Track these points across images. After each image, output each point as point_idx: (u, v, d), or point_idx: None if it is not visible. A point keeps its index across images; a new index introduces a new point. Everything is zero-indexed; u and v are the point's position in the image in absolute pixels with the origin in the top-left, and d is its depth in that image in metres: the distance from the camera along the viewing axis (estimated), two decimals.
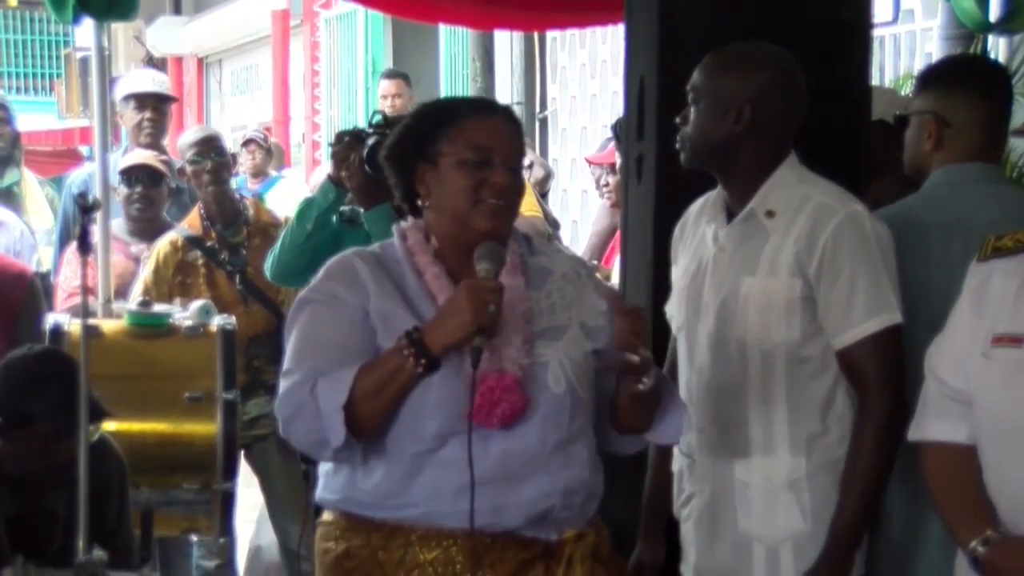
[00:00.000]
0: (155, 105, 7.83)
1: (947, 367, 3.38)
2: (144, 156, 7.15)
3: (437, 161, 3.52)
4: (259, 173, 10.07)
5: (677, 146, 4.03)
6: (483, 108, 3.72)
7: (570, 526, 3.58)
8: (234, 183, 8.56)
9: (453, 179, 3.50)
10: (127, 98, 6.89)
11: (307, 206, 5.60)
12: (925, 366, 3.45)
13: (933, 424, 3.38)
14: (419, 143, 3.59)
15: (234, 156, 8.04)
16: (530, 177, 9.05)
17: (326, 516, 3.68)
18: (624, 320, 3.38)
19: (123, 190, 7.15)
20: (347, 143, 5.50)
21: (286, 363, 3.60)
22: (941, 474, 3.37)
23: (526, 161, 8.40)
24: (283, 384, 3.53)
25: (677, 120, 4.01)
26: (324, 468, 3.66)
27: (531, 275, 3.60)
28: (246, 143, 10.78)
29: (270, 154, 10.76)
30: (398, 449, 3.50)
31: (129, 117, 7.26)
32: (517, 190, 3.60)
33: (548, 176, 9.34)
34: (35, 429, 4.73)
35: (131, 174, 7.14)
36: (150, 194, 7.10)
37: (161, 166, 7.13)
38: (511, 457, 3.46)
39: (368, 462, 3.54)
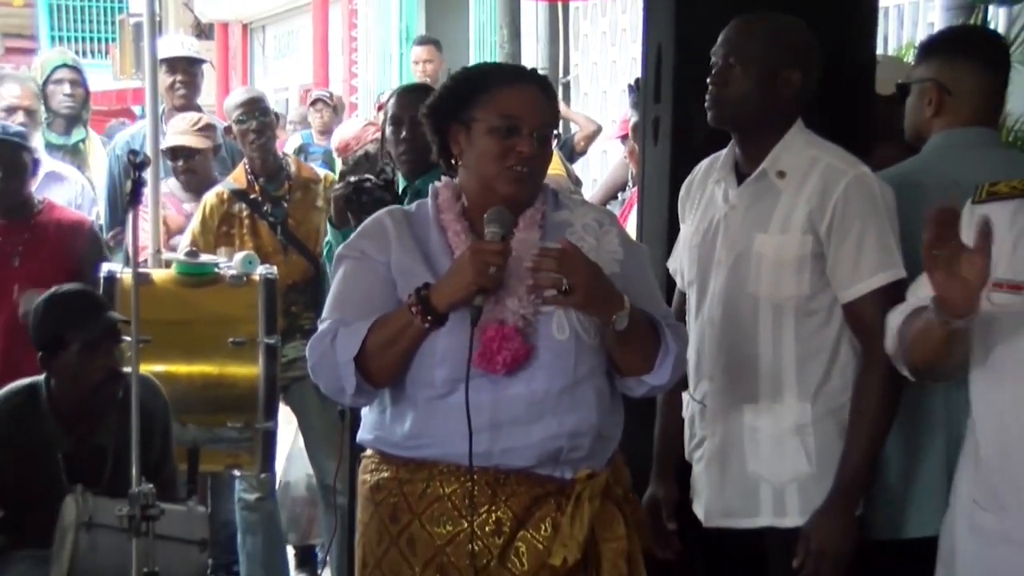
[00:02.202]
0: (185, 68, 7.85)
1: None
2: (181, 135, 7.13)
3: (470, 125, 3.54)
4: (326, 130, 10.01)
5: (707, 105, 3.99)
6: (518, 77, 3.69)
7: (585, 466, 3.59)
8: (295, 140, 8.54)
9: (482, 144, 3.53)
10: (160, 63, 6.85)
11: (328, 249, 5.63)
12: (908, 291, 3.54)
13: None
14: (455, 105, 3.61)
15: (278, 115, 7.96)
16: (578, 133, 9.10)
17: (367, 452, 3.76)
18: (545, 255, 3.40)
19: (168, 163, 7.17)
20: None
21: (322, 313, 3.66)
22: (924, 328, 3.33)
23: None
24: (319, 331, 3.61)
25: (710, 81, 3.97)
26: (364, 410, 3.74)
27: (549, 229, 3.61)
28: (314, 102, 10.72)
29: (336, 111, 10.73)
30: (414, 395, 3.58)
31: (162, 80, 7.21)
32: (543, 159, 3.62)
33: (597, 131, 9.33)
34: (68, 351, 4.77)
35: (172, 152, 7.17)
36: (192, 167, 7.14)
37: (197, 142, 7.12)
38: (518, 401, 3.51)
39: (394, 406, 3.63)
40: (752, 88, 3.94)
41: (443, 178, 3.77)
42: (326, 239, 5.82)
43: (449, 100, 3.65)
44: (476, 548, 3.53)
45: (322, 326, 3.62)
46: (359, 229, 3.81)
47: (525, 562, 3.57)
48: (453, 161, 3.65)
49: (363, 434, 3.77)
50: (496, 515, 3.56)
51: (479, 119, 3.53)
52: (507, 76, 3.71)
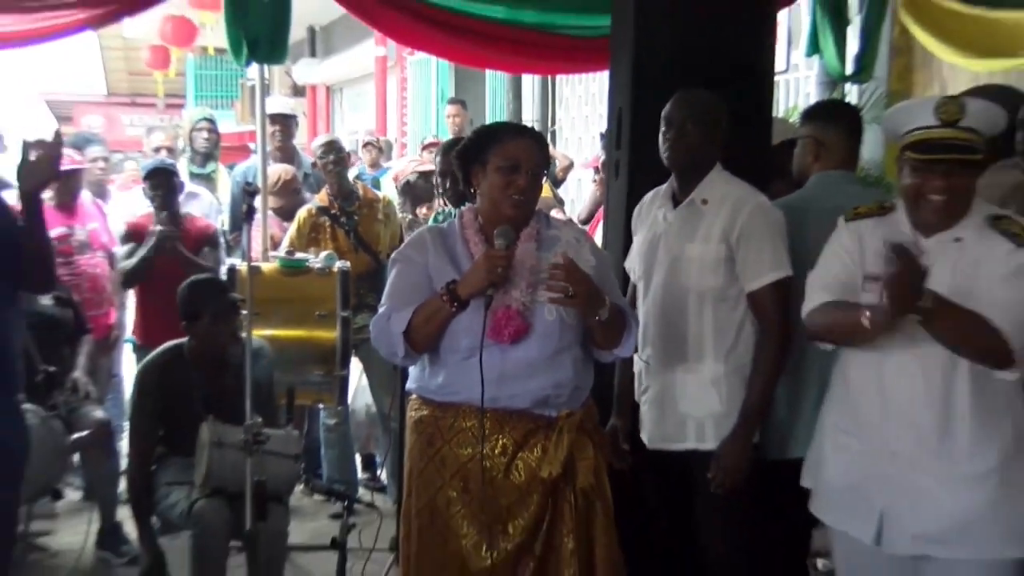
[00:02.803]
0: (282, 121, 7.77)
1: (828, 285, 3.54)
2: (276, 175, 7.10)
3: (485, 165, 3.59)
4: (375, 164, 10.07)
5: (667, 152, 4.04)
6: (519, 132, 3.78)
7: (565, 408, 3.64)
8: (355, 171, 8.52)
9: (492, 179, 3.58)
10: (266, 116, 6.82)
11: None
12: (808, 286, 3.58)
13: (820, 301, 3.51)
14: (476, 151, 3.65)
15: (350, 153, 7.96)
16: (558, 166, 9.07)
17: (412, 397, 3.81)
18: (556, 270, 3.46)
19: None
20: None
21: (381, 300, 3.75)
22: (826, 310, 3.49)
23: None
24: (378, 314, 3.71)
25: (672, 136, 4.01)
26: (411, 368, 3.80)
27: (542, 242, 3.65)
28: (366, 144, 10.70)
29: (382, 151, 10.73)
30: (445, 357, 3.65)
31: (268, 128, 7.16)
32: (535, 190, 3.66)
33: (571, 166, 9.35)
34: (201, 321, 4.87)
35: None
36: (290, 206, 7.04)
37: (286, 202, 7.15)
38: (519, 363, 3.58)
39: (431, 366, 3.70)
40: (701, 141, 3.98)
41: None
42: None
43: (472, 148, 3.68)
44: (487, 464, 3.59)
45: (380, 310, 3.69)
46: (407, 241, 3.95)
47: (522, 475, 3.62)
48: (473, 190, 3.69)
49: (409, 384, 3.82)
50: (502, 442, 3.62)
51: (491, 161, 3.57)
52: (511, 131, 3.80)
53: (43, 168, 3.93)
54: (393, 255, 3.87)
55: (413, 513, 3.73)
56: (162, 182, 6.44)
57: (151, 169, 6.65)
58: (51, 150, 3.96)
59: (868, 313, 3.19)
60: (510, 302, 3.54)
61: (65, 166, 6.45)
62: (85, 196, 6.73)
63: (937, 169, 3.29)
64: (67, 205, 6.47)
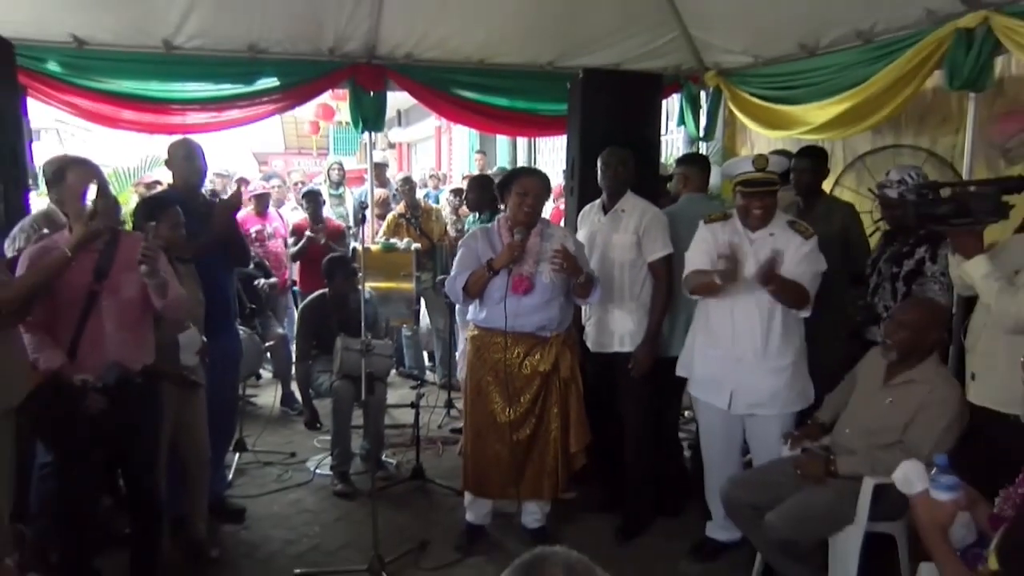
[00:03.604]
0: (379, 165, 7.56)
1: (699, 260, 3.46)
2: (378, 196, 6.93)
3: (510, 191, 3.49)
4: (436, 187, 9.53)
5: (608, 184, 3.90)
6: (531, 173, 3.66)
7: (554, 331, 3.56)
8: (423, 192, 8.30)
9: (513, 199, 3.48)
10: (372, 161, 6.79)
11: None
12: (687, 259, 3.53)
13: (694, 267, 3.46)
14: (505, 183, 3.56)
15: (415, 183, 7.62)
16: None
17: (470, 324, 3.70)
18: (558, 255, 3.37)
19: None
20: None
21: (452, 268, 3.64)
22: (697, 273, 3.43)
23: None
24: (450, 275, 3.62)
25: (611, 175, 3.88)
26: (469, 308, 3.70)
27: (544, 238, 3.53)
28: (431, 176, 10.32)
29: (440, 180, 10.29)
30: (487, 302, 3.52)
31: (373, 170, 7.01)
32: (538, 207, 3.54)
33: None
34: (335, 279, 4.71)
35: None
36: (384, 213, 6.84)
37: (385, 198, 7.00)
38: (527, 306, 3.48)
39: (479, 306, 3.56)
40: (628, 177, 3.86)
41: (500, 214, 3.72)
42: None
43: (503, 181, 3.60)
44: (508, 363, 3.51)
45: (452, 273, 3.59)
46: (468, 233, 3.82)
47: (528, 369, 3.55)
48: (503, 206, 3.62)
49: (468, 317, 3.73)
50: (517, 350, 3.53)
51: (513, 189, 3.47)
52: (526, 172, 3.67)
53: (233, 205, 3.95)
54: (460, 241, 3.75)
55: (469, 388, 3.67)
56: (312, 199, 6.35)
57: (306, 192, 6.57)
58: (235, 197, 4.06)
59: (716, 276, 3.25)
60: (523, 271, 3.47)
61: (257, 191, 6.43)
62: (271, 207, 6.57)
63: (756, 195, 3.31)
64: (261, 212, 6.32)
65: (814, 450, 3.09)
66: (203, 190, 4.36)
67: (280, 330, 5.79)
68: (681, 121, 6.00)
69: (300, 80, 5.31)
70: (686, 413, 4.84)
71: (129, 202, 6.27)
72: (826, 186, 4.62)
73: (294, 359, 5.24)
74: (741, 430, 3.48)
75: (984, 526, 1.85)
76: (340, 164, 7.76)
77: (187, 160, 3.80)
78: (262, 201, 6.35)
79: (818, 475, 2.97)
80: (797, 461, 3.05)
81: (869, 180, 4.82)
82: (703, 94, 5.84)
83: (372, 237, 6.18)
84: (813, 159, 4.13)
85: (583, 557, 1.03)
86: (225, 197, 4.69)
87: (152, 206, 3.36)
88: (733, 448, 3.53)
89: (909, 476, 1.99)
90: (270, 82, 5.25)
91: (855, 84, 4.35)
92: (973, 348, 2.91)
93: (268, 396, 5.82)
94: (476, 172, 8.17)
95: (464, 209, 6.48)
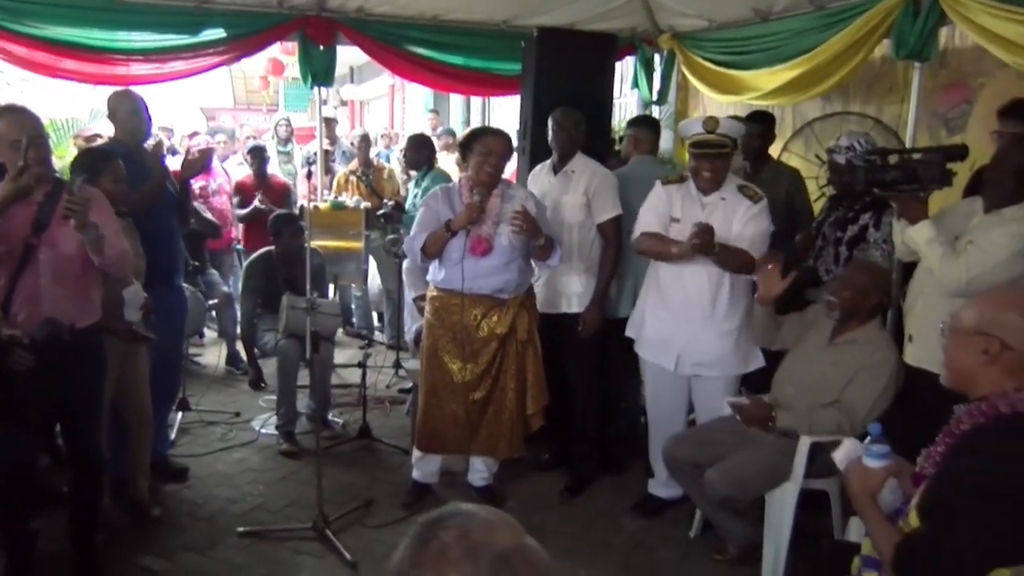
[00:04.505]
0: (329, 123, 7.43)
1: (650, 221, 3.47)
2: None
3: (473, 151, 3.44)
4: (388, 146, 9.40)
5: (560, 146, 3.89)
6: (494, 133, 3.57)
7: (512, 293, 3.54)
8: (375, 150, 8.15)
9: (475, 159, 3.44)
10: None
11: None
12: (638, 221, 3.53)
13: (644, 230, 3.46)
14: (467, 142, 3.51)
15: (369, 139, 7.50)
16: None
17: (430, 285, 3.67)
18: (517, 216, 3.33)
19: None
20: None
21: (412, 228, 3.60)
22: (649, 236, 3.43)
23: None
24: (408, 235, 3.60)
25: (562, 136, 3.87)
26: (430, 268, 3.65)
27: (504, 199, 3.49)
28: (383, 135, 10.16)
29: (391, 139, 10.14)
30: (445, 262, 3.49)
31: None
32: (500, 168, 3.48)
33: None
34: (282, 237, 4.62)
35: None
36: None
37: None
38: (486, 267, 3.46)
39: (438, 266, 3.53)
40: (579, 139, 3.84)
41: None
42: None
43: (466, 140, 3.55)
44: (466, 324, 3.51)
45: (412, 232, 3.55)
46: (429, 193, 3.72)
47: (486, 331, 3.54)
48: (465, 165, 3.58)
49: (428, 277, 3.68)
50: (474, 312, 3.51)
51: (475, 149, 3.43)
52: (489, 132, 3.59)
53: (197, 166, 3.96)
54: (422, 200, 3.71)
55: (426, 348, 3.64)
56: (257, 155, 6.20)
57: (251, 148, 6.39)
58: (203, 157, 4.08)
59: (675, 249, 3.29)
60: (481, 232, 3.44)
61: (201, 146, 6.26)
62: (216, 162, 6.39)
63: (706, 157, 3.31)
64: (205, 168, 6.10)
65: (761, 399, 3.15)
66: (146, 144, 4.23)
67: (225, 288, 5.70)
68: (635, 84, 5.99)
69: (247, 32, 5.14)
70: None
71: (67, 156, 6.06)
72: (775, 151, 4.68)
73: (239, 318, 5.17)
74: (687, 391, 3.54)
75: (909, 490, 1.91)
76: (288, 120, 7.59)
77: (134, 114, 3.70)
78: (205, 157, 6.16)
79: (764, 420, 3.03)
80: (743, 408, 3.11)
81: (817, 146, 4.88)
82: (657, 57, 5.83)
83: (321, 194, 6.08)
84: (761, 124, 4.17)
85: (489, 518, 0.95)
86: (164, 150, 4.56)
87: (94, 158, 3.26)
88: (678, 408, 3.59)
89: (850, 455, 2.04)
90: (216, 33, 5.07)
91: (806, 51, 4.38)
92: (911, 311, 3.01)
93: (213, 355, 5.74)
94: (431, 132, 8.07)
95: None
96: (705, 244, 3.15)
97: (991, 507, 1.62)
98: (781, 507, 2.99)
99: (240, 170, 6.60)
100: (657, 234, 3.42)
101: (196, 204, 5.56)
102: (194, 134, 7.47)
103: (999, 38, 3.40)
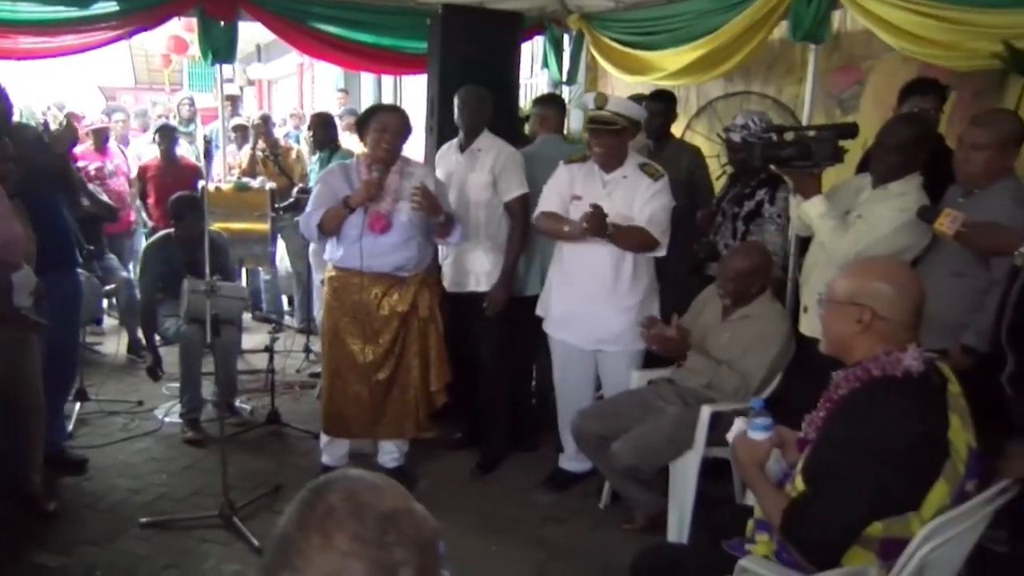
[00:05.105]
0: (234, 100, 7.34)
1: (551, 200, 3.51)
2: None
3: (369, 127, 3.39)
4: (297, 126, 8.93)
5: (466, 123, 3.83)
6: (390, 109, 3.56)
7: (412, 271, 3.51)
8: (285, 129, 7.96)
9: (371, 137, 3.39)
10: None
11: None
12: (541, 200, 3.57)
13: (544, 209, 3.49)
14: (364, 119, 3.46)
15: (273, 121, 7.33)
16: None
17: (328, 264, 3.61)
18: (416, 193, 3.34)
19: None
20: None
21: (308, 204, 3.55)
22: (547, 216, 3.47)
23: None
24: (305, 212, 3.53)
25: (468, 114, 3.82)
26: (327, 247, 3.59)
27: (403, 176, 3.46)
28: (292, 115, 9.74)
29: (301, 119, 9.74)
30: (343, 240, 3.43)
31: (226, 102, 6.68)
32: (396, 144, 3.44)
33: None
34: (185, 220, 4.40)
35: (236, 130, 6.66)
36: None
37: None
38: (384, 245, 3.42)
39: (336, 244, 3.47)
40: (485, 116, 3.81)
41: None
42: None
43: (363, 118, 3.50)
44: (366, 303, 3.47)
45: (307, 210, 3.49)
46: (327, 169, 3.70)
47: (387, 310, 3.50)
48: (363, 142, 3.50)
49: (325, 256, 3.63)
50: (374, 291, 3.47)
51: (371, 125, 3.38)
52: (385, 108, 3.57)
53: (65, 137, 3.86)
54: (318, 177, 3.65)
55: (326, 330, 3.59)
56: (166, 135, 6.00)
57: (160, 127, 6.19)
58: (70, 130, 3.98)
59: (567, 228, 3.35)
60: (380, 209, 3.39)
61: (95, 125, 6.01)
62: (112, 143, 6.15)
63: (595, 133, 3.36)
64: (100, 148, 5.94)
65: (687, 335, 3.28)
66: (34, 123, 4.04)
67: (124, 274, 5.48)
68: (545, 64, 6.02)
69: (142, 5, 4.93)
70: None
71: None
72: (678, 130, 4.77)
73: (139, 303, 4.99)
74: (594, 366, 3.59)
75: (795, 456, 1.99)
76: (191, 99, 7.36)
77: None
78: (100, 136, 5.95)
79: (680, 352, 3.18)
80: (654, 337, 3.23)
81: (719, 125, 5.01)
82: (566, 37, 5.86)
83: (225, 174, 5.90)
84: (663, 102, 4.25)
85: (377, 482, 0.95)
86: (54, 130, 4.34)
87: None
88: (586, 384, 3.65)
89: (736, 430, 2.11)
90: (108, 6, 4.84)
91: (709, 32, 4.48)
92: (807, 283, 3.15)
93: (113, 344, 5.54)
94: (339, 111, 7.91)
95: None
96: (595, 227, 3.19)
97: (866, 466, 1.71)
98: (684, 475, 3.08)
99: (152, 150, 6.36)
100: (554, 214, 3.45)
101: (92, 186, 5.36)
102: (73, 116, 7.12)
103: (885, 23, 3.55)
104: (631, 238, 3.30)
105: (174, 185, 5.58)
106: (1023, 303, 2.33)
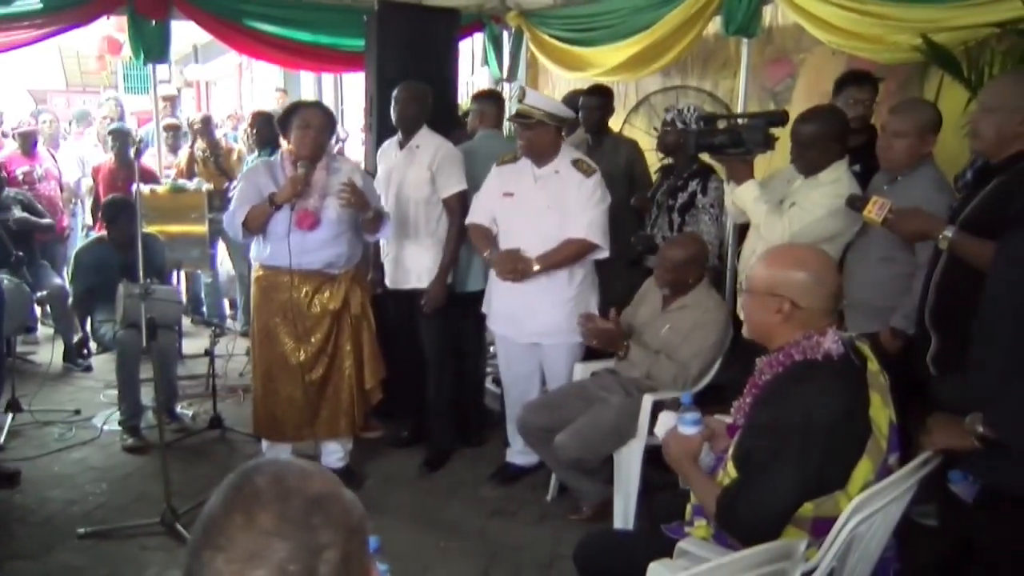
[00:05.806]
0: (171, 99, 7.22)
1: (479, 209, 3.53)
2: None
3: (292, 123, 3.35)
4: (235, 127, 8.91)
5: (404, 121, 3.79)
6: (312, 105, 3.51)
7: (343, 268, 3.48)
8: (224, 130, 7.85)
9: (295, 133, 3.35)
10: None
11: None
12: (472, 210, 3.59)
13: (472, 220, 3.53)
14: (286, 117, 3.42)
15: (215, 121, 7.21)
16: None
17: (255, 263, 3.56)
18: (345, 188, 3.32)
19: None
20: None
21: (232, 202, 3.47)
22: (476, 228, 3.53)
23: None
24: (228, 210, 3.45)
25: (403, 110, 3.77)
26: (252, 245, 3.54)
27: (330, 172, 3.42)
28: (230, 116, 9.59)
29: (240, 119, 9.62)
30: (270, 237, 3.38)
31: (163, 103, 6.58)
32: (319, 140, 3.40)
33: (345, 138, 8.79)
34: (117, 225, 4.35)
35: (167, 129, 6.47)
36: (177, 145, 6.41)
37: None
38: (313, 242, 3.37)
39: (262, 242, 3.42)
40: (417, 111, 3.78)
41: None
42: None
43: (284, 115, 3.45)
44: (296, 302, 3.42)
45: (230, 208, 3.45)
46: (250, 167, 3.69)
47: (318, 308, 3.47)
48: (287, 139, 3.46)
49: (251, 255, 3.58)
50: (305, 289, 3.43)
51: (294, 122, 3.34)
52: (307, 104, 3.51)
53: None
54: (240, 175, 3.60)
55: (256, 331, 3.53)
56: (121, 137, 5.80)
57: (113, 129, 5.99)
58: None
59: (486, 255, 3.49)
60: (307, 206, 3.34)
61: (22, 129, 5.85)
62: (41, 147, 5.98)
63: (518, 127, 3.39)
64: (28, 152, 5.77)
65: (624, 327, 3.33)
66: None
67: (58, 280, 5.31)
68: (485, 61, 6.03)
69: (67, 3, 4.83)
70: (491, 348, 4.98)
71: None
72: (616, 125, 4.82)
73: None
74: (538, 360, 3.61)
75: (727, 443, 2.03)
76: (117, 99, 7.19)
77: None
78: (28, 140, 5.78)
79: (617, 344, 3.23)
80: (591, 331, 3.28)
81: (656, 119, 5.08)
82: (506, 34, 5.89)
83: (161, 174, 5.78)
84: (600, 97, 4.29)
85: (307, 467, 0.95)
86: None
87: None
88: (530, 378, 3.66)
89: (666, 426, 2.16)
90: (31, 4, 4.73)
91: (644, 27, 4.56)
92: (745, 270, 3.19)
93: (48, 352, 5.36)
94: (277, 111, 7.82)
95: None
96: (520, 273, 3.36)
97: (793, 449, 1.75)
98: (628, 464, 3.12)
99: (97, 152, 6.18)
100: (481, 229, 3.54)
101: (22, 191, 5.23)
102: None
103: (813, 17, 3.65)
104: (563, 258, 3.38)
105: (125, 188, 5.48)
106: (944, 286, 2.43)
